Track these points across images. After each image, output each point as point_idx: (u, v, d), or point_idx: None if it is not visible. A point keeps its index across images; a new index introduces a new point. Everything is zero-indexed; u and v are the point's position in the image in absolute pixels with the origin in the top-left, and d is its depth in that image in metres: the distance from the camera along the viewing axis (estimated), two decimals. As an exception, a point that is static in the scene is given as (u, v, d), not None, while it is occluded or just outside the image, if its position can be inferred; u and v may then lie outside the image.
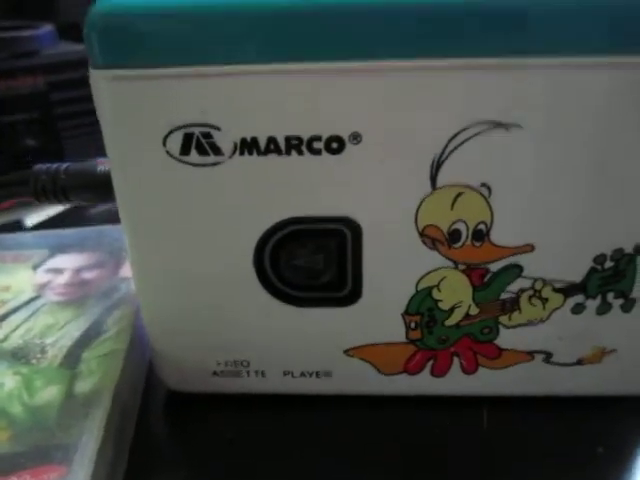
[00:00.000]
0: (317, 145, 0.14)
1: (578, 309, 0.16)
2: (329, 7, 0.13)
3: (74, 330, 0.18)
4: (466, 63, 0.13)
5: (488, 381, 0.17)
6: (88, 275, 0.21)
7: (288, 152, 0.14)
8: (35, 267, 0.22)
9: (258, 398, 0.18)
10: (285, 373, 0.17)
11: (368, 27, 0.13)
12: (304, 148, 0.14)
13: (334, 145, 0.14)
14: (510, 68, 0.13)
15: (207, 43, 0.13)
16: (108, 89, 0.14)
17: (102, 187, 0.18)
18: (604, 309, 0.16)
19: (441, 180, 0.14)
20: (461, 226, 0.15)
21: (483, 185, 0.14)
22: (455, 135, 0.14)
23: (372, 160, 0.14)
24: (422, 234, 0.15)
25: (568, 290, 0.16)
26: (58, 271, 0.21)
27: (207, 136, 0.14)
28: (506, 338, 0.17)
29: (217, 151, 0.14)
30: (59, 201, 0.19)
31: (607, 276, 0.16)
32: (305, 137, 0.14)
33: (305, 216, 0.15)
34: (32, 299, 0.20)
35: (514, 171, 0.14)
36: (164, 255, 0.16)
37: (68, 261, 0.22)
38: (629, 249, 0.15)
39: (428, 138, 0.14)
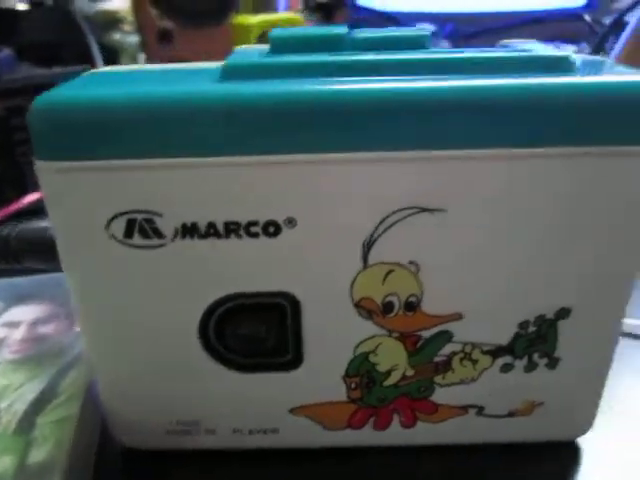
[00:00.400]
0: (254, 229, 0.15)
1: (506, 368, 0.17)
2: (257, 105, 0.14)
3: (28, 392, 0.18)
4: (388, 156, 0.14)
5: (426, 433, 0.18)
6: (44, 329, 0.21)
7: (227, 236, 0.15)
8: (-9, 320, 0.22)
9: (215, 452, 0.19)
10: (234, 431, 0.18)
11: (294, 122, 0.14)
12: (242, 232, 0.15)
13: (271, 229, 0.15)
14: (430, 160, 0.14)
15: (146, 137, 0.14)
16: (51, 180, 0.14)
17: (52, 251, 0.18)
18: (531, 367, 0.17)
19: (372, 259, 0.15)
20: (393, 299, 0.16)
21: (411, 263, 0.15)
22: (383, 219, 0.15)
23: (307, 242, 0.15)
24: (357, 306, 0.16)
25: (496, 352, 0.17)
26: (14, 325, 0.22)
27: (149, 222, 0.15)
28: (441, 395, 0.18)
29: (159, 235, 0.15)
30: (11, 264, 0.19)
31: (532, 339, 0.17)
32: (243, 222, 0.15)
33: (246, 292, 0.16)
34: (-12, 357, 0.20)
35: (440, 250, 0.15)
36: (112, 328, 0.16)
37: (24, 313, 0.22)
38: (550, 315, 0.16)
39: (358, 222, 0.15)
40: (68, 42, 0.48)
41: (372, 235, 0.15)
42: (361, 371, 0.17)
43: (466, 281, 0.16)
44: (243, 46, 0.17)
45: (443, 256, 0.15)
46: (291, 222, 0.15)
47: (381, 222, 0.15)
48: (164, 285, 0.16)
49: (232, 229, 0.15)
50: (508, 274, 0.16)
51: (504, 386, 0.17)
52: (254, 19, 0.51)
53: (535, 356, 0.17)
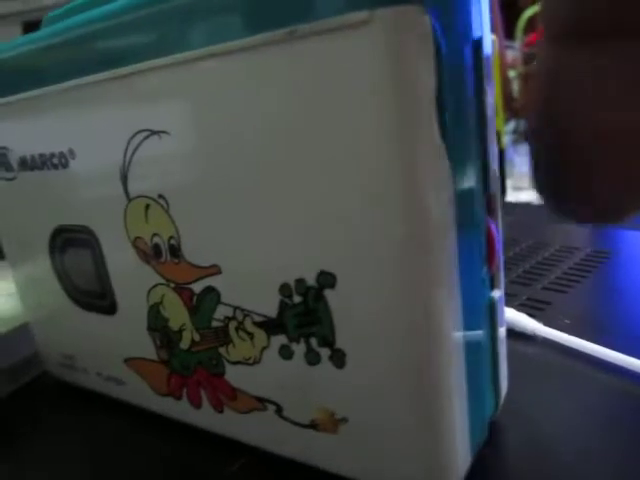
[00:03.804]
0: (55, 161, 0.16)
1: (286, 353, 0.13)
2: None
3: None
4: (106, 76, 0.13)
5: (234, 424, 0.15)
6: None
7: (40, 168, 0.16)
8: None
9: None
10: (98, 374, 0.19)
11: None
12: (49, 164, 0.16)
13: (63, 160, 0.16)
14: (131, 75, 0.13)
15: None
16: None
17: None
18: (313, 359, 0.13)
19: (131, 191, 0.14)
20: (159, 240, 0.14)
21: (160, 197, 0.14)
22: (127, 145, 0.14)
23: (85, 173, 0.15)
24: (135, 246, 0.15)
25: (268, 326, 0.13)
26: None
27: (3, 156, 0.17)
28: (233, 375, 0.15)
29: (10, 168, 0.17)
30: None
31: (300, 314, 0.13)
32: (47, 153, 0.16)
33: (64, 225, 0.17)
34: None
35: (177, 181, 0.13)
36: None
37: None
38: (311, 280, 0.12)
39: (110, 151, 0.14)
40: None
41: (124, 165, 0.14)
42: (158, 325, 0.16)
43: (213, 223, 0.13)
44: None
45: (182, 189, 0.13)
46: (72, 153, 0.15)
47: (126, 150, 0.14)
48: (20, 214, 0.18)
49: (42, 161, 0.16)
50: (252, 217, 0.12)
51: (291, 378, 0.13)
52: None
53: (313, 342, 0.13)
